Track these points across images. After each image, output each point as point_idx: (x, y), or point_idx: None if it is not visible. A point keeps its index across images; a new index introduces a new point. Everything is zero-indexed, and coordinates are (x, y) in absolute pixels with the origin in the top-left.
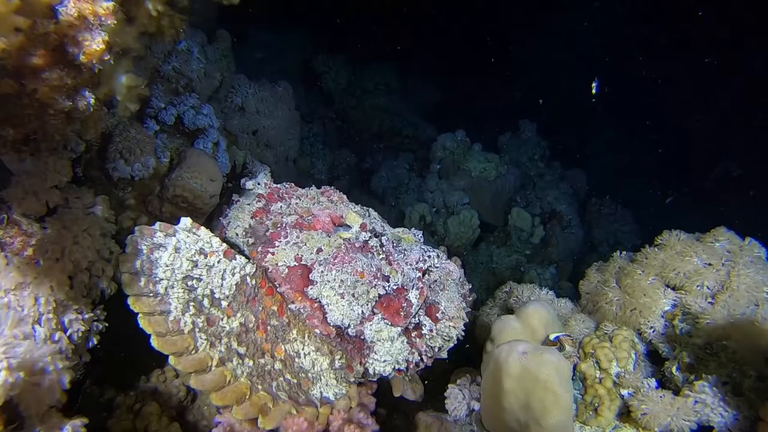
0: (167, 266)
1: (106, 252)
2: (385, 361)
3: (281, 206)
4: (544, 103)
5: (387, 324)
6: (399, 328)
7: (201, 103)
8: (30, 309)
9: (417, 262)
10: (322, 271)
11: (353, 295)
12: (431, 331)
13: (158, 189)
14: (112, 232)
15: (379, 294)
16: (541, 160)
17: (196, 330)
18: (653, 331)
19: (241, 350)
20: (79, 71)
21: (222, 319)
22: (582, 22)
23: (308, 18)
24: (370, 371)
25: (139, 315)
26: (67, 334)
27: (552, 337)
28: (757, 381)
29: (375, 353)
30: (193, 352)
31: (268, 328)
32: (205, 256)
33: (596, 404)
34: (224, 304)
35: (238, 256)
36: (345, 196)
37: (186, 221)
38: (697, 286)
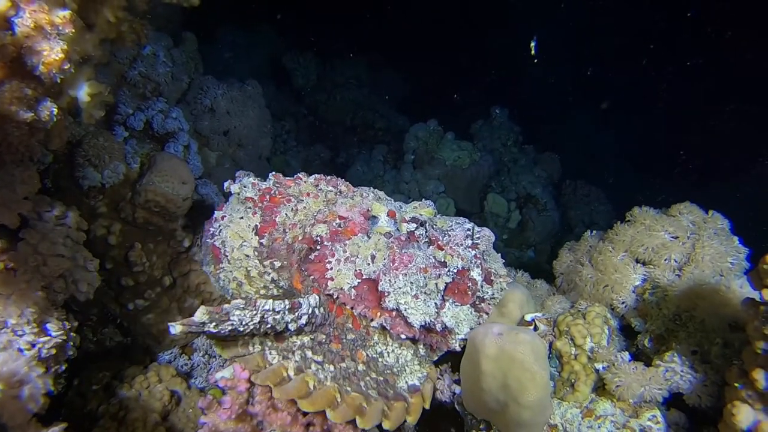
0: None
1: (81, 259)
2: (465, 334)
3: (286, 215)
4: (512, 90)
5: (458, 305)
6: (468, 305)
7: (169, 107)
8: (6, 320)
9: (465, 239)
10: (389, 280)
11: (425, 293)
12: (492, 295)
13: (130, 195)
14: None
15: (446, 283)
16: (515, 145)
17: (266, 348)
18: (625, 306)
19: (318, 358)
20: (39, 81)
21: (292, 338)
22: (554, 6)
23: (275, 15)
24: (457, 348)
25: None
26: (45, 343)
27: (528, 317)
28: (722, 348)
29: (457, 333)
30: (266, 366)
31: (343, 340)
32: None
33: (573, 380)
34: (292, 327)
35: (302, 302)
36: (348, 183)
37: (238, 302)
38: (665, 260)
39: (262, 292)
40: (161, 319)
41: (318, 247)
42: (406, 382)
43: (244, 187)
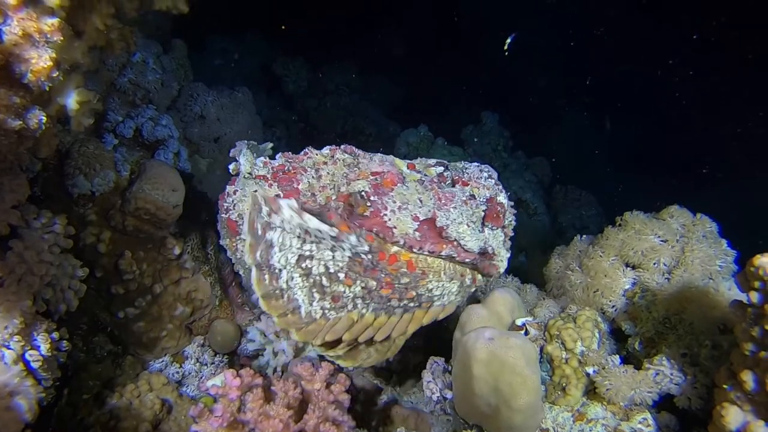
0: (280, 250)
1: (69, 268)
2: (503, 259)
3: (309, 182)
4: (503, 95)
5: (495, 229)
6: (501, 228)
7: (159, 114)
8: None
9: (482, 173)
10: (444, 215)
11: (473, 221)
12: (511, 221)
13: (119, 203)
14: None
15: (483, 211)
16: (505, 150)
17: (326, 311)
18: (615, 310)
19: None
20: (27, 89)
21: (344, 292)
22: (545, 11)
23: (266, 21)
24: (500, 271)
25: (275, 318)
26: (35, 353)
27: (518, 322)
28: (712, 350)
29: (497, 256)
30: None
31: (396, 285)
32: (309, 233)
33: (564, 384)
34: (341, 276)
35: (348, 236)
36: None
37: (291, 202)
38: (654, 264)
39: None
40: (152, 327)
41: (368, 204)
42: (443, 302)
43: (255, 165)
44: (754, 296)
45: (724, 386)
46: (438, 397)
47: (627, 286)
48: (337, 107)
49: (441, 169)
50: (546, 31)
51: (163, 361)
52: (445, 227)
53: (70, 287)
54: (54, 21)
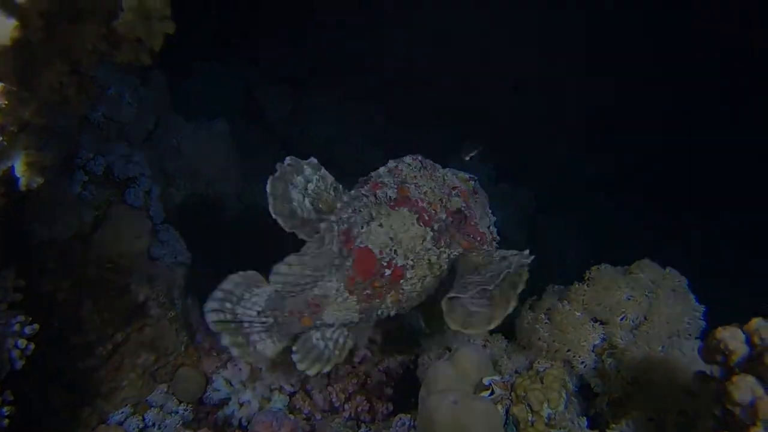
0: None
1: (15, 326)
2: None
3: (427, 200)
4: (487, 124)
5: None
6: None
7: (131, 151)
8: None
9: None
10: (493, 222)
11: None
12: None
13: (81, 250)
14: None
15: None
16: (489, 181)
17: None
18: (584, 366)
19: None
20: None
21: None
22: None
23: (248, 48)
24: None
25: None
26: None
27: (486, 381)
28: (678, 416)
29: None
30: None
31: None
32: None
33: None
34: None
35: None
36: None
37: None
38: (620, 319)
39: (437, 273)
40: (112, 377)
41: (467, 214)
42: None
43: (390, 183)
44: (716, 370)
45: None
46: None
47: (596, 342)
48: (319, 135)
49: (473, 183)
50: (531, 56)
51: (123, 412)
52: (492, 231)
53: (16, 346)
54: None
